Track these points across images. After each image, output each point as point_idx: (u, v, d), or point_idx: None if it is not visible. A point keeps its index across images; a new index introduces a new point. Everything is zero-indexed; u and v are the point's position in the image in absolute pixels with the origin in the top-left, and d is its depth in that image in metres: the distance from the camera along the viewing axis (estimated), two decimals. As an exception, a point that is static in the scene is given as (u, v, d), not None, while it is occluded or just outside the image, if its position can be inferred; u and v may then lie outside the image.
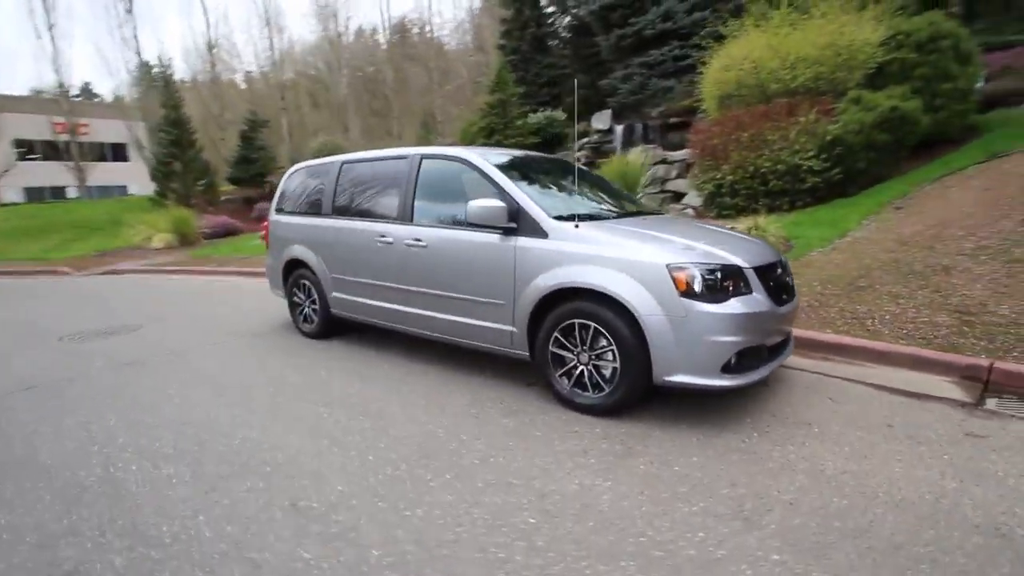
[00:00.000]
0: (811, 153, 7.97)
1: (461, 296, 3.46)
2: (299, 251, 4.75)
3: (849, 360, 3.72)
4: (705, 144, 9.61)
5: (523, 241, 3.13)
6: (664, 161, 13.71)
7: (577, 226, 3.00)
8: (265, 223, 5.34)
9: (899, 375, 3.44)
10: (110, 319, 6.05)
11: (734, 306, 2.64)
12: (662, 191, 13.29)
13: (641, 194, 12.17)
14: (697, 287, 2.63)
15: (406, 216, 3.81)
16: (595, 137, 17.24)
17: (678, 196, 12.68)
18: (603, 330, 2.83)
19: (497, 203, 3.12)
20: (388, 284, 3.95)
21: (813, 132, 8.03)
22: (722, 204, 9.04)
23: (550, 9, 22.75)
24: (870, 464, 2.38)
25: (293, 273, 4.90)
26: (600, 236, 2.95)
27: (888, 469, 2.34)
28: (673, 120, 16.25)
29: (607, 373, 2.89)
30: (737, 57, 9.65)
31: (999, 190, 6.31)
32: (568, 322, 2.96)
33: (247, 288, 7.86)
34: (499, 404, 3.18)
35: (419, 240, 3.66)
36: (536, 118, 17.76)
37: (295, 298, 4.95)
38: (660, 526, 1.99)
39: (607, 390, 2.89)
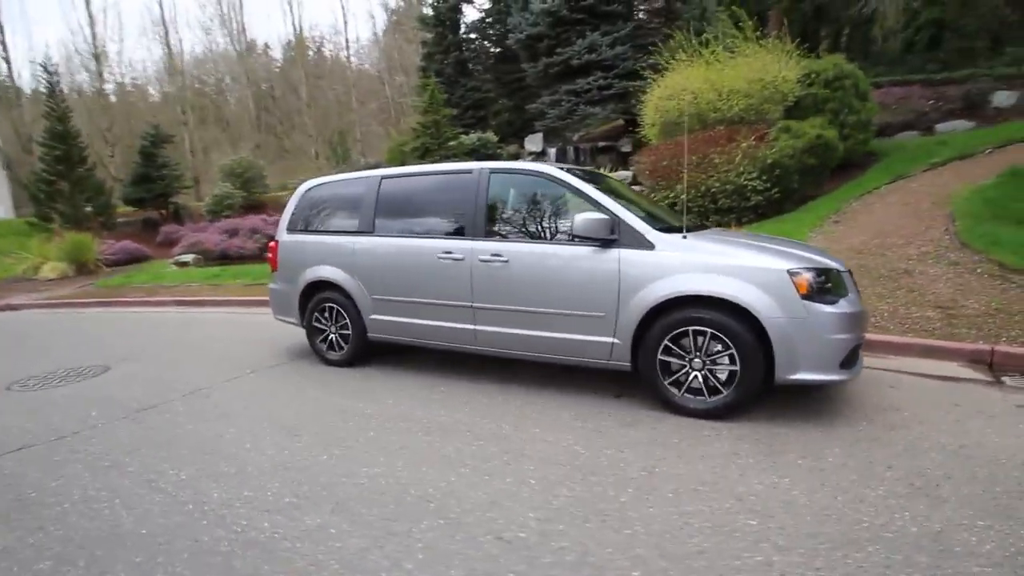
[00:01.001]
0: (754, 175, 8.88)
1: (551, 311, 3.42)
2: (326, 272, 4.37)
3: (871, 353, 4.20)
4: (656, 166, 10.26)
5: (627, 253, 3.19)
6: None
7: (685, 237, 3.13)
8: (272, 244, 4.84)
9: (920, 363, 3.96)
10: (58, 360, 5.08)
11: (844, 306, 2.91)
12: None
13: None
14: (815, 290, 2.86)
15: (477, 231, 3.69)
16: (529, 159, 17.77)
17: None
18: (721, 335, 2.96)
19: (603, 216, 3.16)
20: (452, 302, 3.78)
21: (753, 156, 8.98)
22: (677, 221, 9.68)
23: (472, 35, 23.20)
24: (973, 438, 2.72)
25: (315, 297, 4.49)
26: (709, 246, 3.10)
27: (989, 440, 2.69)
28: (602, 144, 17.27)
29: (723, 377, 3.01)
30: (676, 88, 10.52)
31: (915, 205, 7.52)
32: (680, 330, 3.06)
33: (206, 319, 7.01)
34: (607, 417, 3.17)
35: (499, 255, 3.56)
36: (470, 139, 17.90)
37: (317, 324, 4.53)
38: (866, 511, 2.12)
39: (724, 393, 3.01)
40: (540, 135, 18.04)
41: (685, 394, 3.11)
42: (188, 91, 24.12)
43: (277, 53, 32.59)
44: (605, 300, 3.25)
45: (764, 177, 8.86)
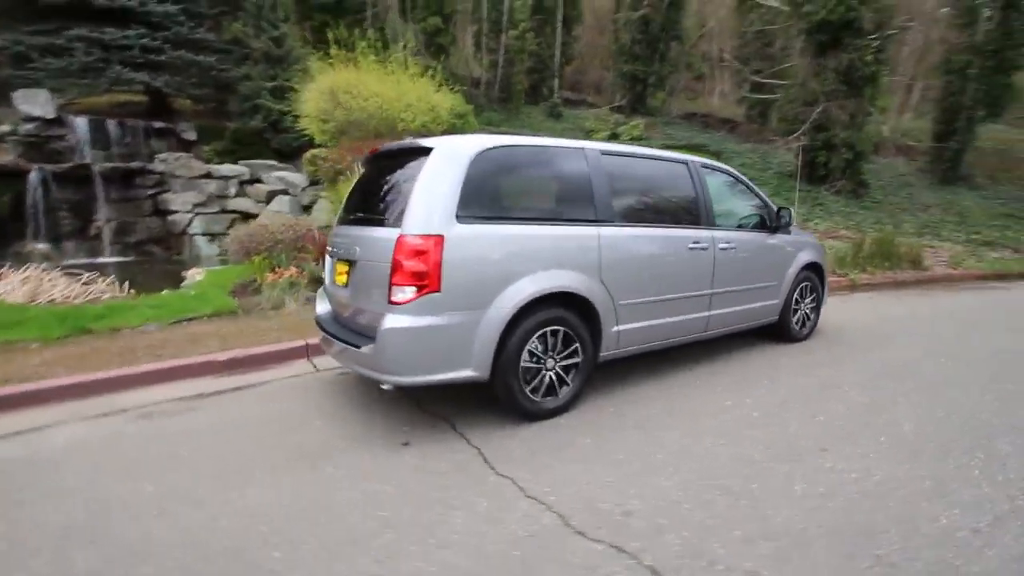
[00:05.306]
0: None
1: (755, 285, 4.16)
2: (557, 279, 2.92)
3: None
4: (334, 168, 9.75)
5: (785, 236, 4.46)
6: (209, 175, 11.74)
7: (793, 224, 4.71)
8: (421, 243, 2.48)
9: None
10: None
11: (818, 262, 5.37)
12: (223, 211, 11.47)
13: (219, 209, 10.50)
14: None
15: (710, 221, 3.79)
16: (29, 127, 11.51)
17: (249, 216, 11.42)
18: (814, 284, 4.79)
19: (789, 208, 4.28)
20: (695, 293, 3.71)
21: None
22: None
23: None
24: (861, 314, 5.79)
25: (527, 321, 2.86)
26: (796, 230, 4.80)
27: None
28: (159, 125, 13.44)
29: (809, 311, 4.85)
30: (354, 87, 10.27)
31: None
32: (802, 284, 4.66)
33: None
34: (795, 363, 4.37)
35: (731, 243, 3.89)
36: None
37: (526, 363, 2.90)
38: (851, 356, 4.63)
39: (812, 320, 4.87)
40: (45, 94, 11.68)
41: (800, 328, 4.75)
42: None
43: None
44: (779, 272, 4.40)
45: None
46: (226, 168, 11.78)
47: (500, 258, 2.78)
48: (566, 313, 3.03)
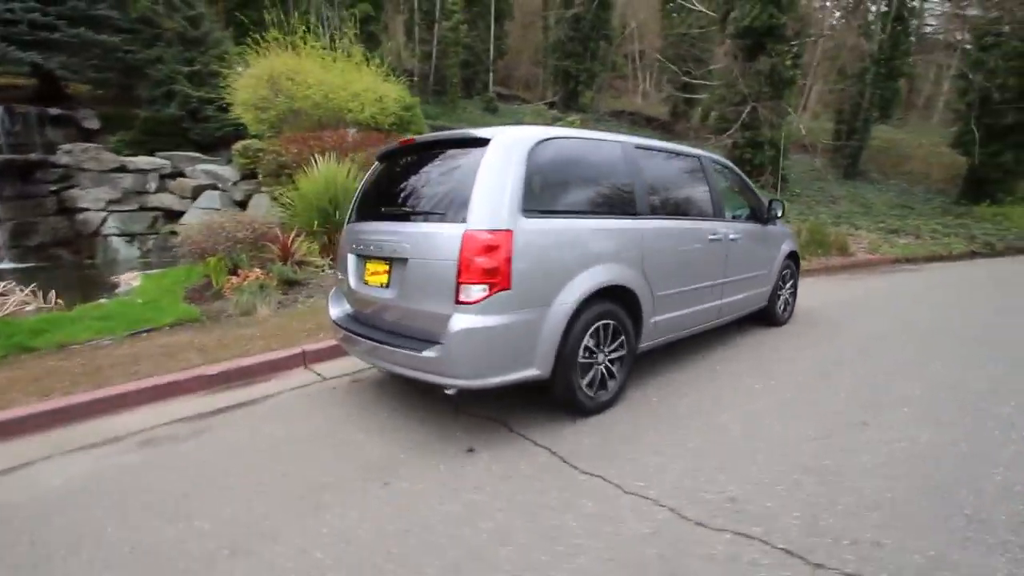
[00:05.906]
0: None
1: (750, 274, 4.35)
2: (612, 273, 2.89)
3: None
4: (276, 161, 9.12)
5: (775, 227, 4.72)
6: (124, 168, 10.60)
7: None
8: (491, 238, 2.33)
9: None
10: None
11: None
12: (142, 208, 10.39)
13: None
14: (792, 240, 5.55)
15: (720, 212, 3.93)
16: None
17: (173, 213, 10.47)
18: (792, 271, 5.14)
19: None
20: (710, 282, 3.83)
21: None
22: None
23: None
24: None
25: (585, 315, 2.81)
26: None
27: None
28: (55, 112, 11.90)
29: (788, 296, 5.20)
30: (297, 74, 9.62)
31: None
32: (784, 272, 4.98)
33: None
34: (783, 345, 4.66)
35: (738, 234, 4.05)
36: None
37: (584, 359, 2.86)
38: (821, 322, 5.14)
39: (791, 304, 5.22)
40: (-94, 71, 9.84)
41: (783, 312, 5.08)
42: None
43: None
44: (770, 260, 4.66)
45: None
46: (143, 161, 10.58)
47: (563, 252, 2.71)
48: (615, 306, 3.01)
